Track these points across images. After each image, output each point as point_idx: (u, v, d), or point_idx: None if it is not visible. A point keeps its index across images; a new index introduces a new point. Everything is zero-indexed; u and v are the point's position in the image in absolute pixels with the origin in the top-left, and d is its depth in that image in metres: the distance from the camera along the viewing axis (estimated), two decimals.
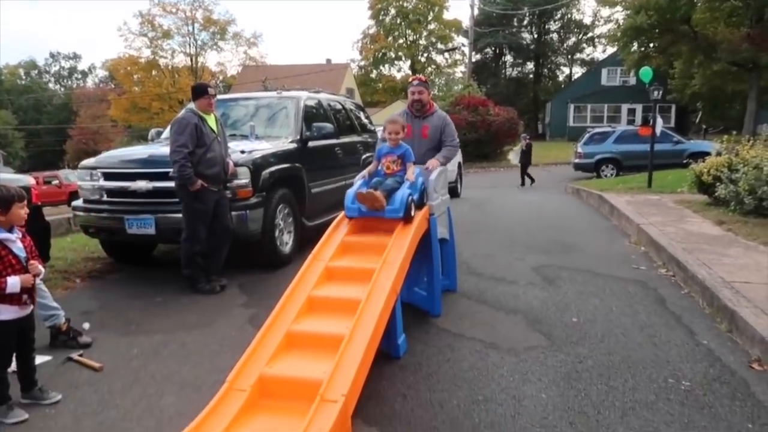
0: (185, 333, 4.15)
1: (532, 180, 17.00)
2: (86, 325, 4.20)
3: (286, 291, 3.39)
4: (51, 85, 63.61)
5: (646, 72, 11.95)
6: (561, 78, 54.24)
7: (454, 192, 12.23)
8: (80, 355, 3.71)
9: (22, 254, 3.01)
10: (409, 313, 4.02)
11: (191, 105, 5.27)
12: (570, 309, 4.43)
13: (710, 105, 30.45)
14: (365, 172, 4.29)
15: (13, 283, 2.92)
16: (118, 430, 2.87)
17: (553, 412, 2.92)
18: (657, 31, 27.09)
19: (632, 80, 36.48)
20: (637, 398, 3.03)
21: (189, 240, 5.00)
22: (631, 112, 36.63)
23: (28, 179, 5.79)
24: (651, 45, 29.16)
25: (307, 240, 5.73)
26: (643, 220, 7.25)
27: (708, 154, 11.87)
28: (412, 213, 3.91)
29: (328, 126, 6.77)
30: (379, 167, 4.25)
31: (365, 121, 9.16)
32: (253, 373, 2.84)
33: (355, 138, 8.12)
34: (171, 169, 4.99)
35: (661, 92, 12.09)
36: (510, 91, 49.06)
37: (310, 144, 6.56)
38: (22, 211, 3.04)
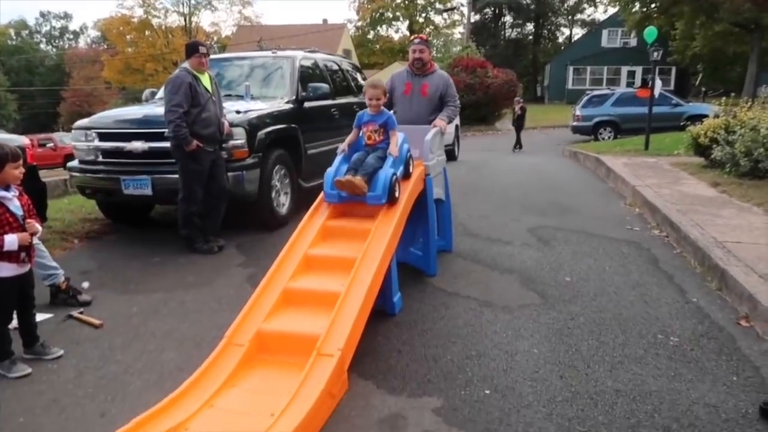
0: (184, 292, 4.20)
1: (520, 146, 16.56)
2: (85, 284, 4.25)
3: (282, 250, 3.43)
4: (42, 46, 62.40)
5: (651, 32, 11.76)
6: (561, 39, 53.47)
7: (451, 155, 12.20)
8: (80, 313, 3.77)
9: (19, 212, 3.03)
10: (404, 272, 4.08)
11: (185, 64, 5.20)
12: (564, 269, 4.49)
13: (711, 67, 30.14)
14: (344, 144, 3.96)
15: (11, 240, 2.94)
16: (120, 384, 2.94)
17: (544, 366, 3.00)
18: None
19: (633, 42, 36.00)
20: (626, 353, 3.11)
21: (185, 200, 5.02)
22: (631, 74, 36.23)
23: (22, 139, 5.77)
24: (653, 5, 28.66)
25: (303, 201, 5.74)
26: (639, 182, 7.28)
27: (706, 116, 11.81)
28: (397, 194, 3.68)
29: (324, 86, 6.70)
30: (360, 135, 3.96)
31: (362, 82, 9.06)
32: (251, 328, 2.90)
33: (351, 99, 8.05)
34: (166, 130, 4.96)
35: (661, 53, 11.95)
36: (509, 52, 48.36)
37: (306, 104, 6.51)
38: (16, 171, 3.03)
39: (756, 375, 2.86)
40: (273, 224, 5.79)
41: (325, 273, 3.33)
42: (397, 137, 3.86)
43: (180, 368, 3.03)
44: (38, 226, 3.10)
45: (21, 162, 3.09)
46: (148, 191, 5.33)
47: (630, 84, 33.25)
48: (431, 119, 4.68)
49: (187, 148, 4.84)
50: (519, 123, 17.09)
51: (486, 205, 6.96)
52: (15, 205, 3.02)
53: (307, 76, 6.89)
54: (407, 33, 47.10)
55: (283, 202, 6.00)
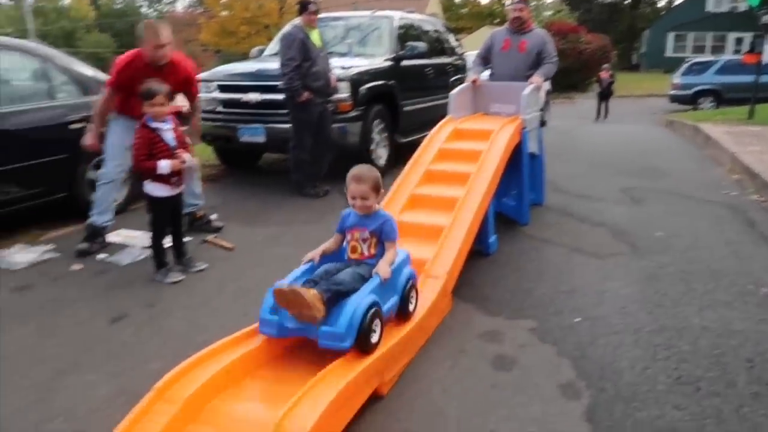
0: (298, 226, 4.70)
1: (599, 114, 15.92)
2: (214, 216, 4.83)
3: (391, 188, 3.80)
4: (144, 10, 65.66)
5: None
6: (661, 4, 50.16)
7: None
8: (215, 237, 4.34)
9: (172, 143, 3.55)
10: (498, 221, 4.35)
11: (296, 20, 5.62)
12: (655, 225, 4.61)
13: None
14: (314, 252, 2.69)
15: (164, 165, 3.47)
16: (255, 293, 3.42)
17: (633, 303, 3.23)
18: None
19: (742, 6, 33.28)
20: (714, 298, 3.28)
21: (296, 148, 5.49)
22: (738, 41, 33.67)
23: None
24: None
25: (399, 155, 6.08)
26: (740, 148, 7.08)
27: None
28: (374, 340, 2.34)
29: (421, 45, 6.97)
30: (344, 245, 2.73)
31: (454, 43, 9.23)
32: None
33: (444, 59, 8.26)
34: (279, 83, 5.42)
35: None
36: (604, 17, 46.00)
37: (403, 63, 6.80)
38: (153, 109, 3.42)
39: None
40: None
41: (430, 210, 3.68)
42: (395, 253, 2.63)
43: None
44: (187, 156, 3.62)
45: (158, 100, 3.44)
46: (262, 139, 5.86)
47: (736, 52, 30.95)
48: (528, 75, 4.86)
49: (299, 99, 5.28)
50: (606, 91, 16.45)
51: (577, 166, 7.05)
52: (169, 137, 3.54)
53: (404, 35, 7.16)
54: None
55: (381, 155, 6.38)
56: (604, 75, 16.56)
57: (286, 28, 5.75)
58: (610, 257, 3.93)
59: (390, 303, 2.53)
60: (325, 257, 2.69)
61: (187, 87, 4.16)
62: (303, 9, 5.50)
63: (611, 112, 16.05)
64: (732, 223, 4.65)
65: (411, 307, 2.69)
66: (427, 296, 2.90)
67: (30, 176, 4.43)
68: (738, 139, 7.90)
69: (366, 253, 2.64)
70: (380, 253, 2.63)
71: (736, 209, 5.04)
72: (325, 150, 5.64)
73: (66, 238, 4.44)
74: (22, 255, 4.07)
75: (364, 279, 2.48)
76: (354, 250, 2.67)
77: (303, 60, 5.33)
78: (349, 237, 2.70)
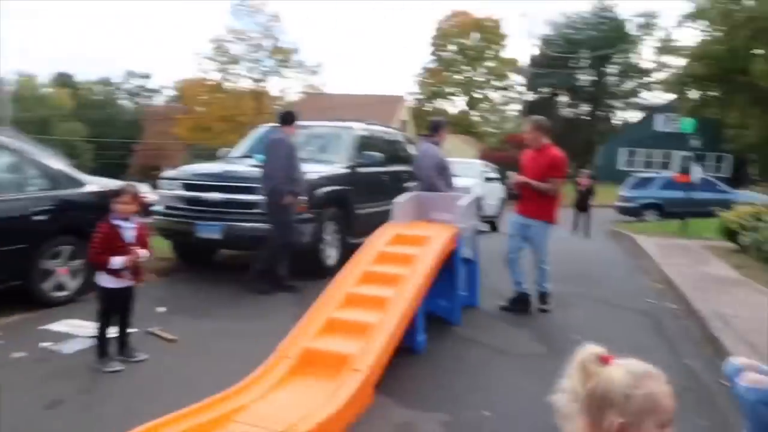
0: (243, 322, 4.94)
1: (575, 226, 13.98)
2: (162, 309, 5.05)
3: (329, 285, 4.13)
4: (125, 102, 67.48)
5: (688, 123, 12.38)
6: (615, 121, 53.95)
7: (493, 226, 12.90)
8: (159, 329, 4.54)
9: (130, 240, 3.85)
10: (431, 320, 4.68)
11: (281, 129, 6.11)
12: (574, 328, 5.00)
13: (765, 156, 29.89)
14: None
15: (117, 261, 3.75)
16: (193, 384, 3.64)
17: (540, 399, 3.52)
18: (714, 81, 27.20)
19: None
20: None
21: (278, 246, 5.82)
22: (686, 159, 36.13)
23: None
24: (708, 93, 29.16)
25: (349, 255, 6.44)
26: (664, 260, 7.69)
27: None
28: None
29: (378, 155, 7.57)
30: None
31: (412, 152, 9.96)
32: (299, 345, 3.58)
33: (400, 167, 8.86)
34: (243, 184, 5.89)
35: (700, 142, 12.50)
36: (564, 131, 49.09)
37: (360, 170, 7.36)
38: (119, 206, 3.81)
39: (724, 421, 3.32)
40: (321, 274, 6.51)
41: (363, 308, 4.01)
42: None
43: (242, 376, 3.69)
44: (141, 252, 3.89)
45: (126, 199, 3.86)
46: (218, 236, 6.19)
47: (684, 169, 33.08)
48: None
49: (284, 202, 5.71)
50: (583, 202, 14.25)
51: None
52: (129, 235, 3.84)
53: (363, 145, 7.78)
54: (466, 108, 48.78)
55: (331, 254, 6.75)
56: (584, 182, 14.50)
57: (277, 135, 6.15)
58: (528, 357, 4.27)
59: None
60: None
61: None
62: (289, 120, 6.08)
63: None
64: (644, 329, 5.09)
65: None
66: (350, 387, 3.17)
67: None
68: (665, 252, 8.56)
69: None
70: None
71: (652, 316, 5.49)
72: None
73: (13, 326, 4.61)
74: None
75: None
76: None
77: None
78: None
